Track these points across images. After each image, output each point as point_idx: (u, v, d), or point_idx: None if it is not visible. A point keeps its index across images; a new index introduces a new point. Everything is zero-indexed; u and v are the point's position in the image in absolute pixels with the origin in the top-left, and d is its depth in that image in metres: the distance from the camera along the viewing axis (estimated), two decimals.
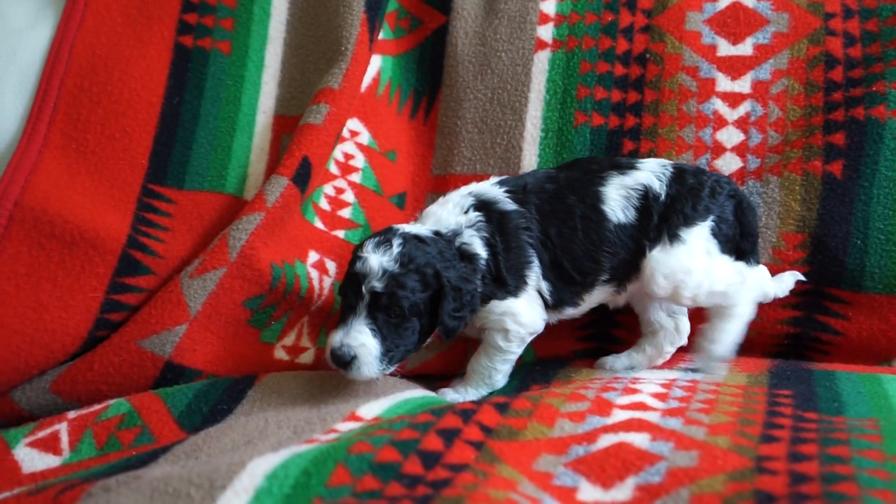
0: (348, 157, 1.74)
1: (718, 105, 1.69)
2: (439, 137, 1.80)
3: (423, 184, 1.79)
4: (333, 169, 1.71)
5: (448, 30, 1.82)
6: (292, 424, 1.18)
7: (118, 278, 1.50)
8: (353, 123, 1.75)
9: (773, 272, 1.55)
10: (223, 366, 1.50)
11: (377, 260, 1.32)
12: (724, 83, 1.70)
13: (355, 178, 1.73)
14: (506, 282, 1.42)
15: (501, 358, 1.46)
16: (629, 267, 1.46)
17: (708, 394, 1.24)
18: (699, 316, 1.51)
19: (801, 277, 1.54)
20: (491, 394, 1.47)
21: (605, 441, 1.02)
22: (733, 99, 1.69)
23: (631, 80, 1.73)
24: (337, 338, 1.33)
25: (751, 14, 1.73)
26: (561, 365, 1.60)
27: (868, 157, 1.59)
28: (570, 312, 1.51)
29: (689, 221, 1.43)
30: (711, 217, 1.45)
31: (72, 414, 1.33)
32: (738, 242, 1.48)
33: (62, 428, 1.30)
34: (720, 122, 1.68)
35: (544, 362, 1.63)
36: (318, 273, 1.62)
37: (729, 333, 1.44)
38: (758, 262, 1.51)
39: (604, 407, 1.15)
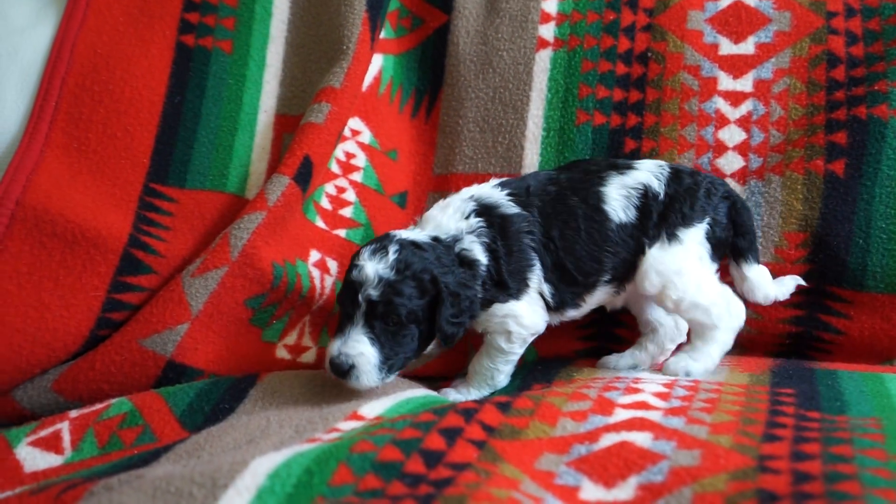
0: (350, 156, 1.73)
1: (720, 104, 1.68)
2: (441, 136, 1.80)
3: (425, 183, 1.79)
4: (335, 168, 1.71)
5: (450, 29, 1.82)
6: (294, 423, 1.18)
7: (120, 277, 1.50)
8: (354, 122, 1.74)
9: (776, 271, 1.56)
10: (225, 365, 1.50)
11: (373, 267, 1.31)
12: (725, 82, 1.70)
13: (357, 177, 1.73)
14: (507, 285, 1.41)
15: (503, 359, 1.46)
16: (629, 266, 1.46)
17: (710, 393, 1.24)
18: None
19: (802, 282, 1.54)
20: (493, 393, 1.47)
21: (608, 440, 1.02)
22: (735, 98, 1.68)
23: (633, 79, 1.73)
24: (335, 347, 1.32)
25: (752, 13, 1.73)
26: (563, 364, 1.60)
27: (870, 156, 1.59)
28: (572, 314, 1.51)
29: (687, 221, 1.44)
30: (707, 219, 1.46)
31: (73, 413, 1.33)
32: (732, 244, 1.49)
33: (64, 427, 1.30)
34: (722, 121, 1.68)
35: (546, 361, 1.63)
36: (320, 272, 1.62)
37: (709, 357, 1.44)
38: (757, 262, 1.51)
39: (606, 406, 1.15)
